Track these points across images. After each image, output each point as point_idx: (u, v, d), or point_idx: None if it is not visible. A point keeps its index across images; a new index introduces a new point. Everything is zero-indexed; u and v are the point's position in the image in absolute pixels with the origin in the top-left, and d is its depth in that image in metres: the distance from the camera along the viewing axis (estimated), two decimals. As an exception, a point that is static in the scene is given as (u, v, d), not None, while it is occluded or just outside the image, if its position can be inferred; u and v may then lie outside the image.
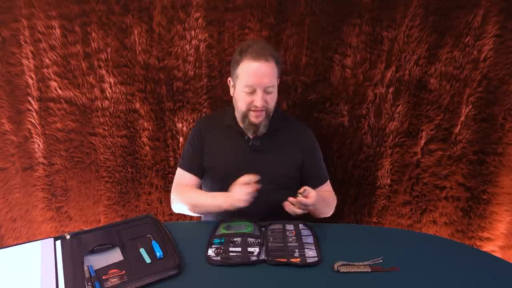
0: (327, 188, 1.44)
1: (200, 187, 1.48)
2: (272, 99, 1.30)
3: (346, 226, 1.53)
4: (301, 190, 1.16)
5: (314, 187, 1.42)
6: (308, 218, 1.49)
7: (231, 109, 1.40)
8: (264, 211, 1.22)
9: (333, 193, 1.45)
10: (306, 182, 1.41)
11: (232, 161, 1.36)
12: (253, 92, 1.25)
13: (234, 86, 1.31)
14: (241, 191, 1.19)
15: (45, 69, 1.59)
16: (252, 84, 1.24)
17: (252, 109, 1.27)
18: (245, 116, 1.30)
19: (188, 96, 1.62)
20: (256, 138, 1.36)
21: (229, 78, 1.34)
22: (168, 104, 1.64)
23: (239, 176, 1.31)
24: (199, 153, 1.40)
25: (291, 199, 1.17)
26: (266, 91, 1.25)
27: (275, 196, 1.32)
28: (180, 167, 1.44)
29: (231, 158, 1.36)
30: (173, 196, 1.40)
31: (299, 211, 1.18)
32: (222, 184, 1.32)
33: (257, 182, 1.21)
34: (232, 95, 1.35)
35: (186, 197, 1.36)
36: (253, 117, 1.29)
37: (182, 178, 1.42)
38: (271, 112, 1.31)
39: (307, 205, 1.17)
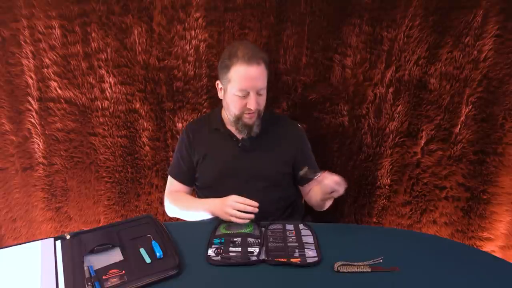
0: None
1: (194, 190, 1.49)
2: (264, 100, 1.32)
3: (346, 226, 1.53)
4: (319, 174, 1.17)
5: (307, 183, 1.42)
6: (308, 218, 1.49)
7: (217, 111, 1.42)
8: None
9: None
10: (299, 180, 1.41)
11: (223, 163, 1.36)
12: (246, 95, 1.26)
13: (224, 89, 1.31)
14: (234, 211, 1.18)
15: (45, 69, 1.59)
16: (246, 88, 1.25)
17: (246, 112, 1.28)
18: (238, 118, 1.31)
19: (188, 96, 1.62)
20: (245, 138, 1.36)
21: (217, 81, 1.35)
22: (168, 104, 1.64)
23: (232, 178, 1.32)
24: (188, 164, 1.42)
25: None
26: (258, 93, 1.28)
27: (269, 193, 1.32)
28: (170, 174, 1.47)
29: (222, 161, 1.37)
30: (166, 202, 1.45)
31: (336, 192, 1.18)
32: (215, 187, 1.33)
33: (249, 181, 1.21)
34: (221, 98, 1.36)
35: (178, 203, 1.41)
36: (246, 119, 1.30)
37: (173, 185, 1.46)
38: (262, 112, 1.33)
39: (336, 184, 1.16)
